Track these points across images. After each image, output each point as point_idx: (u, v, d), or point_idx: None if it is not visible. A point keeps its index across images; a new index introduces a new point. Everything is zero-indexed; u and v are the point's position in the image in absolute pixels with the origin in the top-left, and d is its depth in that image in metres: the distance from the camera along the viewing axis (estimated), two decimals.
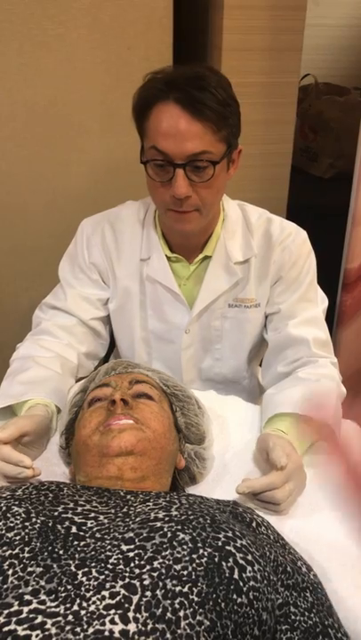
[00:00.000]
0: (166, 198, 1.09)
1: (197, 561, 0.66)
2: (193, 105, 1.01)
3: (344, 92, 2.33)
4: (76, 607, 0.60)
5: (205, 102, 1.01)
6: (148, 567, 0.65)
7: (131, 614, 0.60)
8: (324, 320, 1.26)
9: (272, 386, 1.20)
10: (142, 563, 0.66)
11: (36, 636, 0.57)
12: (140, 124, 1.09)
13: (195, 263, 1.24)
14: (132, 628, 0.59)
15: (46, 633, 0.58)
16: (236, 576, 0.66)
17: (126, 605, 0.61)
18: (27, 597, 0.61)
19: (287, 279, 1.23)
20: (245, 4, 1.53)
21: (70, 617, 0.59)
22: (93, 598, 0.61)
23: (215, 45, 1.61)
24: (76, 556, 0.67)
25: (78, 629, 0.58)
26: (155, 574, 0.64)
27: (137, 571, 0.65)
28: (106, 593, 0.62)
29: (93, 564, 0.66)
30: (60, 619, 0.59)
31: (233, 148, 1.12)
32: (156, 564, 0.66)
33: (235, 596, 0.65)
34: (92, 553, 0.67)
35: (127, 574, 0.64)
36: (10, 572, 0.64)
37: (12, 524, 0.70)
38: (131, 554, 0.67)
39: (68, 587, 0.63)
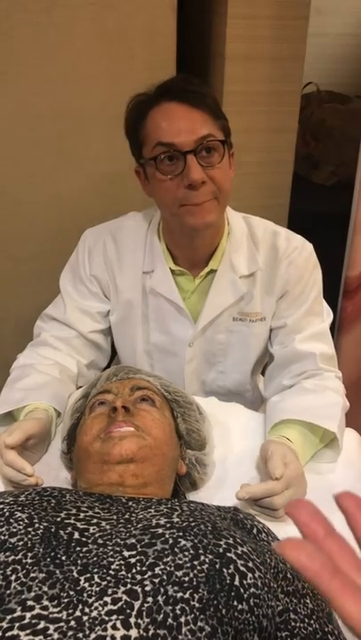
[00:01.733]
0: (179, 193, 1.07)
1: (199, 567, 0.67)
2: (188, 95, 1.04)
3: (346, 100, 2.34)
4: (78, 613, 0.61)
5: (198, 90, 1.06)
6: (149, 573, 0.66)
7: (132, 620, 0.60)
8: (330, 334, 1.26)
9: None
10: (144, 569, 0.66)
11: None
12: (137, 138, 1.09)
13: (200, 277, 1.23)
14: (133, 633, 0.59)
15: (49, 638, 0.58)
16: (236, 583, 0.67)
17: (128, 611, 0.61)
18: (29, 603, 0.61)
19: (293, 293, 1.22)
20: (248, 13, 1.54)
21: (72, 622, 0.60)
22: (95, 604, 0.62)
23: (218, 54, 1.62)
24: (79, 561, 0.67)
25: (80, 635, 0.59)
26: (156, 580, 0.65)
27: (138, 577, 0.65)
28: (108, 599, 0.63)
29: (95, 570, 0.66)
30: (62, 624, 0.60)
31: (228, 137, 1.12)
32: (157, 570, 0.66)
33: (235, 603, 0.65)
34: (95, 559, 0.68)
35: (129, 580, 0.65)
36: (13, 577, 0.65)
37: (14, 530, 0.70)
38: (132, 560, 0.67)
39: (71, 592, 0.63)
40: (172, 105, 1.04)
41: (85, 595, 0.63)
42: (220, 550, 0.69)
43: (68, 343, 1.26)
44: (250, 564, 0.69)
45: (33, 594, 0.63)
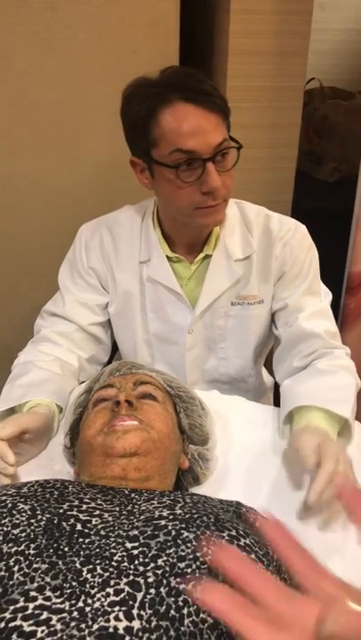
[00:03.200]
0: (195, 198, 1.08)
1: (201, 559, 0.67)
2: (202, 99, 1.02)
3: (349, 96, 2.34)
4: (80, 604, 0.61)
5: (211, 92, 1.04)
6: (152, 565, 0.66)
7: (135, 611, 0.61)
8: (331, 312, 1.26)
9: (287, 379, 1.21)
10: (146, 560, 0.66)
11: (42, 631, 0.58)
12: (145, 137, 1.07)
13: (195, 263, 1.24)
14: (136, 624, 0.59)
15: (51, 629, 0.58)
16: None
17: (130, 602, 0.61)
18: (32, 594, 0.62)
19: (291, 274, 1.23)
20: (251, 7, 1.54)
21: (75, 613, 0.60)
22: (98, 595, 0.62)
23: (221, 49, 1.61)
24: (81, 553, 0.67)
25: (83, 625, 0.59)
26: (159, 572, 0.65)
27: (141, 568, 0.65)
28: (110, 590, 0.63)
29: (98, 562, 0.66)
30: (65, 615, 0.60)
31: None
32: (160, 561, 0.66)
33: None
34: (97, 550, 0.68)
35: (131, 572, 0.65)
36: (15, 568, 0.65)
37: (17, 521, 0.70)
38: (135, 551, 0.68)
39: (74, 583, 0.63)
40: (188, 108, 1.02)
41: (88, 586, 0.63)
42: (223, 542, 0.69)
43: (69, 337, 1.26)
44: (252, 556, 0.69)
45: (36, 584, 0.63)
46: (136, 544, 0.68)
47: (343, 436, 1.10)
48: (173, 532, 0.70)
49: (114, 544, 0.69)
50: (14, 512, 0.71)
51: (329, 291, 1.29)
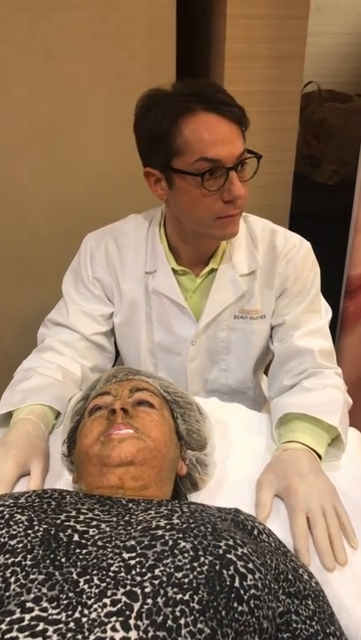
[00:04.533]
0: (216, 207, 1.08)
1: (198, 569, 0.67)
2: (224, 109, 1.03)
3: (347, 98, 2.34)
4: (77, 614, 0.61)
5: (230, 102, 1.05)
6: (149, 575, 0.66)
7: (132, 622, 0.60)
8: (328, 331, 1.26)
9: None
10: (143, 570, 0.66)
11: None
12: (166, 145, 1.06)
13: (201, 276, 1.24)
14: (132, 635, 0.59)
15: None
16: (236, 584, 0.67)
17: (127, 613, 0.61)
18: (29, 605, 0.61)
19: (292, 291, 1.23)
20: (248, 12, 1.54)
21: (72, 624, 0.60)
22: (95, 606, 0.62)
23: (218, 54, 1.62)
24: (78, 563, 0.67)
25: (79, 636, 0.59)
26: (156, 582, 0.65)
27: (138, 578, 0.65)
28: (107, 600, 0.62)
29: (95, 572, 0.66)
30: (61, 626, 0.60)
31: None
32: (157, 571, 0.66)
33: (235, 604, 0.65)
34: (94, 561, 0.68)
35: (128, 582, 0.65)
36: (12, 579, 0.65)
37: (14, 532, 0.70)
38: (132, 562, 0.67)
39: (70, 594, 0.63)
40: (211, 117, 1.03)
41: (85, 596, 0.63)
42: (220, 552, 0.69)
43: (72, 346, 1.26)
44: (250, 566, 0.69)
45: (32, 595, 0.63)
46: (133, 554, 0.68)
47: (335, 447, 1.10)
48: (170, 542, 0.69)
49: (111, 554, 0.69)
50: (11, 523, 0.71)
51: (329, 308, 1.29)
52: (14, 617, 0.60)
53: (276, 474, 1.00)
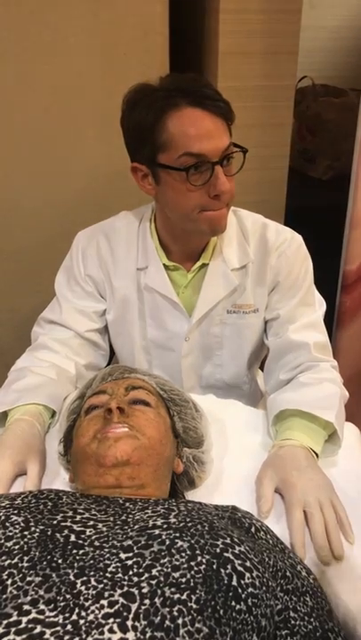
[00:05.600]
0: (202, 201, 1.08)
1: (196, 568, 0.67)
2: (208, 103, 1.03)
3: (341, 93, 2.33)
4: (74, 617, 0.61)
5: (215, 97, 1.05)
6: (146, 575, 0.65)
7: (129, 623, 0.60)
8: (323, 324, 1.26)
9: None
10: (141, 571, 0.66)
11: None
12: (151, 140, 1.06)
13: (192, 271, 1.24)
14: (130, 636, 0.59)
15: None
16: (234, 583, 0.66)
17: (125, 614, 0.61)
18: (26, 607, 0.61)
19: (285, 285, 1.23)
20: (241, 7, 1.54)
21: (69, 626, 0.60)
22: (92, 607, 0.62)
23: (211, 49, 1.61)
24: (75, 564, 0.67)
25: (77, 639, 0.58)
26: (153, 582, 0.65)
27: (135, 579, 0.65)
28: (104, 602, 0.62)
29: (92, 573, 0.66)
30: (58, 628, 0.59)
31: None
32: (154, 571, 0.66)
33: (233, 603, 0.65)
34: (91, 561, 0.68)
35: (126, 582, 0.65)
36: (9, 581, 0.64)
37: (10, 534, 0.70)
38: (129, 562, 0.67)
39: (67, 596, 0.63)
40: (196, 112, 1.03)
41: (82, 598, 0.63)
42: (218, 550, 0.69)
43: (66, 344, 1.26)
44: (247, 564, 0.69)
45: (29, 598, 0.62)
46: (130, 554, 0.68)
47: (332, 443, 1.10)
48: (167, 542, 0.69)
49: (108, 555, 0.68)
50: (7, 524, 0.71)
51: (323, 300, 1.29)
52: (11, 620, 0.60)
53: (275, 468, 1.00)
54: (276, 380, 1.24)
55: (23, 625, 0.59)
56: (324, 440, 1.08)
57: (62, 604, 0.62)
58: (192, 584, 0.65)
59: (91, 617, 0.61)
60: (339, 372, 1.24)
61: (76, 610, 0.61)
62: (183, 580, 0.65)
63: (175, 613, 0.62)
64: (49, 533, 0.71)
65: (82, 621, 0.60)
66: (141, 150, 1.09)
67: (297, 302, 1.23)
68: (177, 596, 0.63)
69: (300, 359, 1.20)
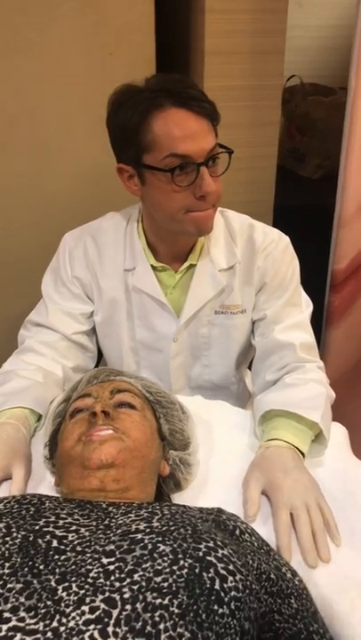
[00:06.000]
0: (188, 202, 1.08)
1: (178, 572, 0.66)
2: (193, 104, 1.03)
3: (330, 92, 2.34)
4: (55, 623, 0.60)
5: (201, 98, 1.04)
6: (128, 580, 0.65)
7: (110, 629, 0.60)
8: (309, 324, 1.26)
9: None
10: (123, 576, 0.66)
11: None
12: (136, 141, 1.06)
13: (180, 272, 1.24)
14: None
15: None
16: (217, 586, 0.66)
17: (106, 620, 0.61)
18: (6, 615, 0.61)
19: (271, 286, 1.23)
20: (227, 7, 1.54)
21: (49, 634, 0.59)
22: (73, 614, 0.61)
23: (198, 49, 1.61)
24: (57, 570, 0.67)
25: None
26: (135, 587, 0.64)
27: (117, 584, 0.65)
28: (86, 608, 0.62)
29: (74, 579, 0.66)
30: (38, 636, 0.59)
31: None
32: (136, 576, 0.66)
33: (216, 607, 0.65)
34: (73, 567, 0.67)
35: (107, 588, 0.64)
36: None
37: None
38: (111, 567, 0.67)
39: (48, 602, 0.63)
40: (181, 112, 1.03)
41: (63, 604, 0.62)
42: (200, 554, 0.69)
43: (53, 347, 1.25)
44: (230, 567, 0.69)
45: (10, 605, 0.62)
46: (112, 559, 0.68)
47: (318, 443, 1.09)
48: (150, 546, 0.69)
49: (90, 560, 0.68)
50: None
51: (310, 301, 1.29)
52: None
53: (261, 470, 1.00)
54: (262, 380, 1.24)
55: (3, 633, 0.59)
56: (310, 440, 1.08)
57: (43, 610, 0.62)
58: (174, 588, 0.65)
59: (71, 623, 0.60)
60: (328, 371, 1.24)
61: (57, 616, 0.61)
62: (165, 584, 0.65)
63: (157, 619, 0.62)
64: (31, 539, 0.70)
65: (62, 628, 0.60)
66: (127, 151, 1.09)
67: (283, 303, 1.23)
68: (159, 600, 0.63)
69: (286, 360, 1.20)
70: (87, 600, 0.63)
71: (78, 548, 0.70)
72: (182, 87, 1.04)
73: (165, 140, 1.04)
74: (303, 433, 1.07)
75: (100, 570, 0.66)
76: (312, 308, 1.28)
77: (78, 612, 0.62)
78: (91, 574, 0.66)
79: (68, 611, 0.62)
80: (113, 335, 1.31)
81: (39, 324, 1.28)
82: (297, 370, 1.19)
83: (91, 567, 0.67)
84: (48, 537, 0.71)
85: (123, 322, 1.29)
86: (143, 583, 0.65)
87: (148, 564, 0.67)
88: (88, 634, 0.59)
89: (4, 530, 0.71)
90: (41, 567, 0.67)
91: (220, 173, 1.10)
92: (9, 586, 0.64)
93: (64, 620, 0.61)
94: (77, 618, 0.61)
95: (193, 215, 1.10)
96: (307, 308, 1.27)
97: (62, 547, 0.70)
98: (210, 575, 0.67)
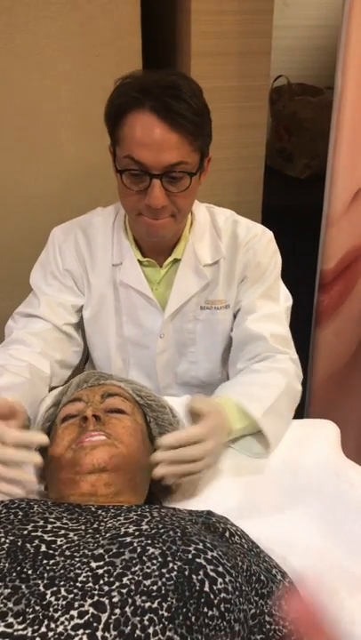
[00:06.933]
0: (139, 205, 1.09)
1: (167, 575, 0.66)
2: (170, 115, 1.00)
3: (317, 92, 2.34)
4: (43, 629, 0.60)
5: (182, 112, 1.01)
6: (117, 584, 0.65)
7: (99, 633, 0.60)
8: (285, 318, 1.27)
9: None
10: (111, 579, 0.65)
11: None
12: (114, 131, 1.08)
13: (165, 267, 1.25)
14: None
15: None
16: (206, 589, 0.66)
17: (95, 624, 0.60)
18: None
19: (251, 278, 1.24)
20: (213, 8, 1.53)
21: (38, 639, 0.59)
22: (62, 618, 0.61)
23: (184, 50, 1.60)
24: (45, 575, 0.66)
25: None
26: (124, 591, 0.64)
27: (106, 588, 0.64)
28: (74, 612, 0.62)
29: (62, 583, 0.65)
30: None
31: (205, 157, 1.12)
32: (125, 580, 0.65)
33: (205, 609, 0.65)
34: (62, 571, 0.67)
35: (96, 592, 0.64)
36: None
37: None
38: (100, 571, 0.67)
39: (37, 607, 0.62)
40: (152, 118, 1.01)
41: (52, 609, 0.62)
42: (190, 556, 0.69)
43: (42, 337, 1.23)
44: (220, 569, 0.69)
45: None
46: (101, 563, 0.67)
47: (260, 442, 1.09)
48: (139, 549, 0.69)
49: (79, 564, 0.68)
50: None
51: (290, 296, 1.29)
52: None
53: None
54: (234, 369, 1.25)
55: None
56: (247, 422, 1.08)
57: (31, 615, 0.61)
58: (163, 591, 0.64)
59: (60, 628, 0.60)
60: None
61: (45, 621, 0.61)
62: (154, 587, 0.65)
63: (146, 622, 0.61)
64: (19, 544, 0.70)
65: (51, 633, 0.60)
66: (110, 134, 1.10)
67: (260, 294, 1.24)
68: (148, 604, 0.63)
69: (258, 349, 1.21)
70: (76, 604, 0.62)
71: (67, 553, 0.70)
72: (168, 95, 1.01)
73: (128, 141, 1.04)
74: (241, 421, 1.08)
75: (89, 574, 0.66)
76: (291, 303, 1.29)
77: (67, 616, 0.61)
78: (79, 578, 0.66)
79: (56, 615, 0.61)
80: (100, 332, 1.31)
81: (30, 314, 1.26)
82: (267, 359, 1.20)
83: (79, 571, 0.67)
84: (36, 542, 0.71)
85: (111, 318, 1.29)
86: (132, 587, 0.64)
87: (137, 568, 0.67)
88: (77, 638, 0.59)
89: None
90: (29, 572, 0.67)
91: (181, 189, 1.07)
92: None
93: (52, 625, 0.60)
94: (66, 622, 0.61)
95: (144, 219, 1.11)
96: (285, 302, 1.27)
97: (51, 551, 0.70)
98: (199, 577, 0.67)
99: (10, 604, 0.62)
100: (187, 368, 1.34)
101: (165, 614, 0.63)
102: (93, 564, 0.67)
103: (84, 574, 0.66)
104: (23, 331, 1.24)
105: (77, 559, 0.68)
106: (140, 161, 1.03)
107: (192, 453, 0.93)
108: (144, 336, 1.30)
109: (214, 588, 0.67)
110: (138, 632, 0.60)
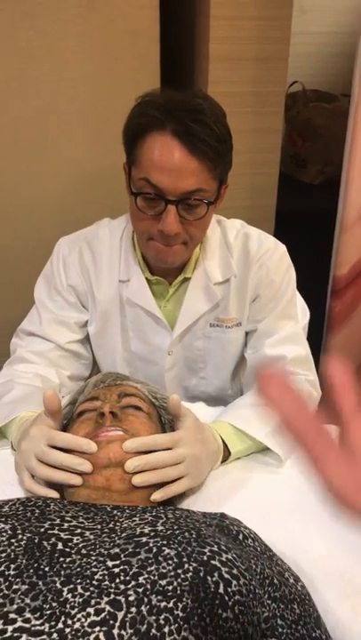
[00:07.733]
0: (152, 230, 1.06)
1: (183, 576, 0.66)
2: (191, 140, 0.98)
3: (332, 98, 2.34)
4: (60, 625, 0.61)
5: (204, 138, 0.98)
6: (133, 583, 0.65)
7: (115, 631, 0.60)
8: (303, 336, 1.24)
9: None
10: (127, 578, 0.66)
11: None
12: (131, 151, 1.05)
13: (174, 285, 1.22)
14: None
15: None
16: (221, 590, 0.66)
17: (111, 622, 0.61)
18: (12, 616, 0.61)
19: (265, 297, 1.21)
20: (232, 14, 1.54)
21: (55, 635, 0.59)
22: (78, 615, 0.62)
23: (202, 55, 1.61)
24: (62, 572, 0.67)
25: None
26: (140, 590, 0.65)
27: (122, 586, 0.65)
28: (91, 610, 0.62)
29: (79, 581, 0.66)
30: (44, 637, 0.59)
31: (223, 184, 1.10)
32: (141, 579, 0.66)
33: (220, 611, 0.65)
34: (78, 569, 0.67)
35: (112, 590, 0.65)
36: None
37: None
38: (116, 569, 0.67)
39: (54, 604, 0.63)
40: (174, 142, 0.98)
41: (68, 606, 0.63)
42: (205, 558, 0.69)
43: (45, 357, 1.22)
44: (234, 571, 0.69)
45: (15, 606, 0.62)
46: (117, 562, 0.68)
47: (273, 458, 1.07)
48: (155, 549, 0.69)
49: (95, 562, 0.68)
50: None
51: (307, 309, 1.27)
52: None
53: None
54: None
55: (9, 634, 0.59)
56: (248, 446, 1.06)
57: (48, 612, 0.62)
58: (179, 592, 0.65)
59: (77, 625, 0.61)
60: (316, 383, 1.20)
61: (62, 618, 0.61)
62: (170, 587, 0.65)
63: (161, 622, 0.62)
64: (36, 541, 0.71)
65: (68, 630, 0.60)
66: (127, 153, 1.08)
67: (277, 315, 1.21)
68: (163, 604, 0.63)
69: None
70: (92, 602, 0.63)
71: (83, 551, 0.70)
72: (191, 119, 0.97)
73: (145, 163, 1.01)
74: (241, 441, 1.05)
75: (105, 572, 0.67)
76: (309, 317, 1.26)
77: (84, 613, 0.62)
78: (96, 576, 0.66)
79: (73, 612, 0.62)
80: (106, 347, 1.29)
81: (32, 333, 1.25)
82: None
83: (96, 569, 0.67)
84: (53, 539, 0.71)
85: (116, 334, 1.27)
86: (148, 586, 0.65)
87: (152, 567, 0.67)
88: (93, 635, 0.59)
89: (9, 532, 0.71)
90: (46, 569, 0.67)
91: (196, 217, 1.05)
92: (14, 587, 0.64)
93: (69, 622, 0.61)
94: (83, 619, 0.61)
95: (154, 244, 1.08)
96: (303, 318, 1.25)
97: (67, 549, 0.70)
98: (214, 579, 0.67)
99: (27, 600, 0.63)
100: (196, 383, 1.32)
101: (181, 614, 0.63)
102: (110, 563, 0.68)
103: (101, 572, 0.67)
104: (27, 349, 1.23)
105: (94, 558, 0.69)
106: (156, 185, 1.00)
107: (163, 458, 0.88)
108: (152, 353, 1.27)
109: (229, 590, 0.67)
110: (153, 631, 0.61)
